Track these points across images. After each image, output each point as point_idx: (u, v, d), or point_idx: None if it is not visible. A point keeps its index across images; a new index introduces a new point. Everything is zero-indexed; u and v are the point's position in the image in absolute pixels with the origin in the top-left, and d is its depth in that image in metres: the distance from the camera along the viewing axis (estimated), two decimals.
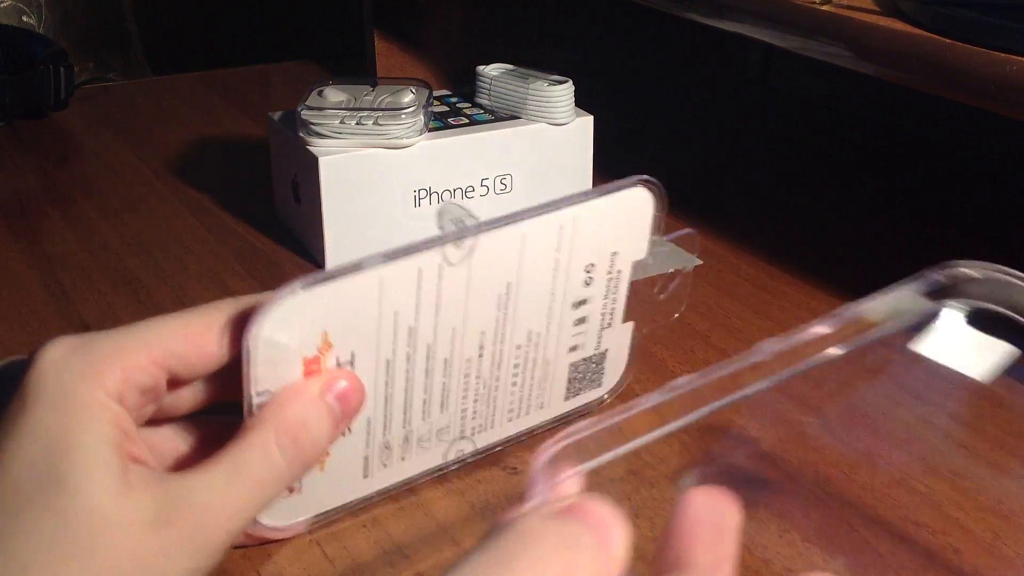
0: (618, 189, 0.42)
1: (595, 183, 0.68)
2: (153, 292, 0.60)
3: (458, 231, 0.38)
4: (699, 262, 0.45)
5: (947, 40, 0.45)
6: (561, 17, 0.90)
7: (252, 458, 0.34)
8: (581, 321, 0.44)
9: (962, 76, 0.45)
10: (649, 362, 0.53)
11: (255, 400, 0.35)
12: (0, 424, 0.32)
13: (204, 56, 1.16)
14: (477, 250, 0.38)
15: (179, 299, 0.59)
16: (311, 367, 0.36)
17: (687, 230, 0.45)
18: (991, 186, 0.79)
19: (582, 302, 0.43)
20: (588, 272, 0.43)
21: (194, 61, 1.14)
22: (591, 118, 0.67)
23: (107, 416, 0.32)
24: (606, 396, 0.48)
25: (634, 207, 0.43)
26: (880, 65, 0.49)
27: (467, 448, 0.44)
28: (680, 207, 0.72)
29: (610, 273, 0.44)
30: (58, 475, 0.31)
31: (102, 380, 0.32)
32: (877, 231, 0.70)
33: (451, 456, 0.43)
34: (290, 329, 0.35)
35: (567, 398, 0.46)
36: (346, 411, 0.37)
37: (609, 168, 0.72)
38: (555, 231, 0.40)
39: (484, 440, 0.44)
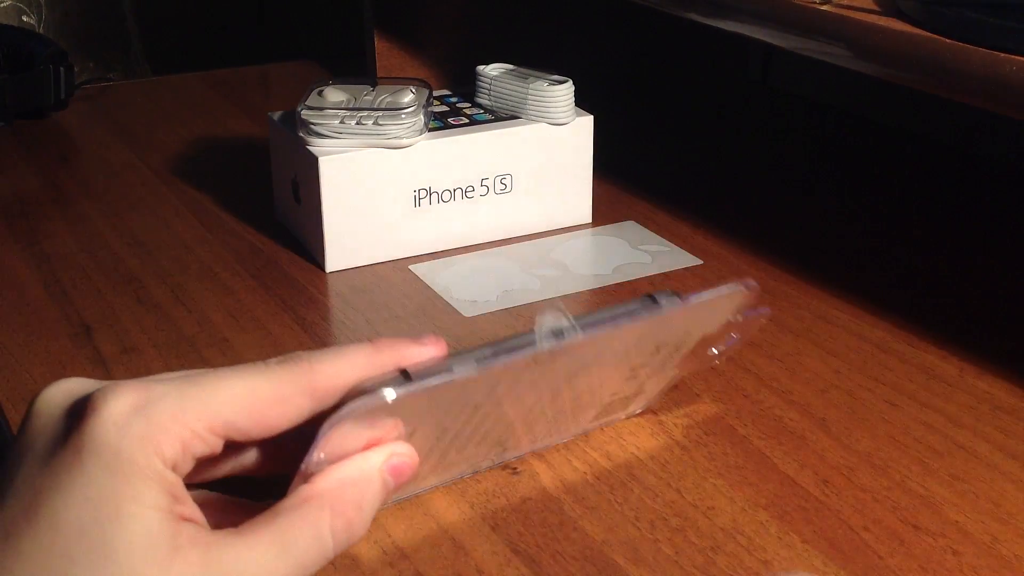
0: (720, 295, 0.41)
1: (595, 183, 0.68)
2: (153, 292, 0.60)
3: (557, 341, 0.36)
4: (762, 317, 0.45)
5: (947, 40, 0.45)
6: (561, 17, 0.90)
7: (303, 538, 0.33)
8: (634, 376, 0.44)
9: (962, 76, 0.45)
10: None
11: (314, 465, 0.34)
12: (52, 471, 0.31)
13: (204, 56, 1.16)
14: (567, 350, 0.37)
15: (179, 299, 0.59)
16: (373, 442, 0.36)
17: (760, 311, 0.44)
18: (991, 186, 0.79)
19: (643, 364, 0.43)
20: (658, 346, 0.43)
21: (194, 61, 1.14)
22: (591, 118, 0.67)
23: (161, 484, 0.32)
24: (623, 416, 0.48)
25: (726, 304, 0.42)
26: (880, 65, 0.49)
27: (485, 464, 0.44)
28: (681, 207, 0.72)
29: (679, 346, 0.44)
30: (108, 543, 0.30)
31: (160, 449, 0.32)
32: (877, 231, 0.70)
33: (468, 471, 0.44)
34: (368, 423, 0.34)
35: (591, 421, 0.46)
36: (398, 483, 0.36)
37: (609, 168, 0.72)
38: (648, 328, 0.40)
39: (503, 457, 0.44)
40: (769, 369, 0.52)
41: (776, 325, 0.57)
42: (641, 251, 0.65)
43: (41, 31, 1.10)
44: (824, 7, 0.51)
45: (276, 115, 0.66)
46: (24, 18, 1.10)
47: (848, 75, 0.53)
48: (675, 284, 0.61)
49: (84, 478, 0.31)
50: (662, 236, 0.67)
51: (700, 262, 0.64)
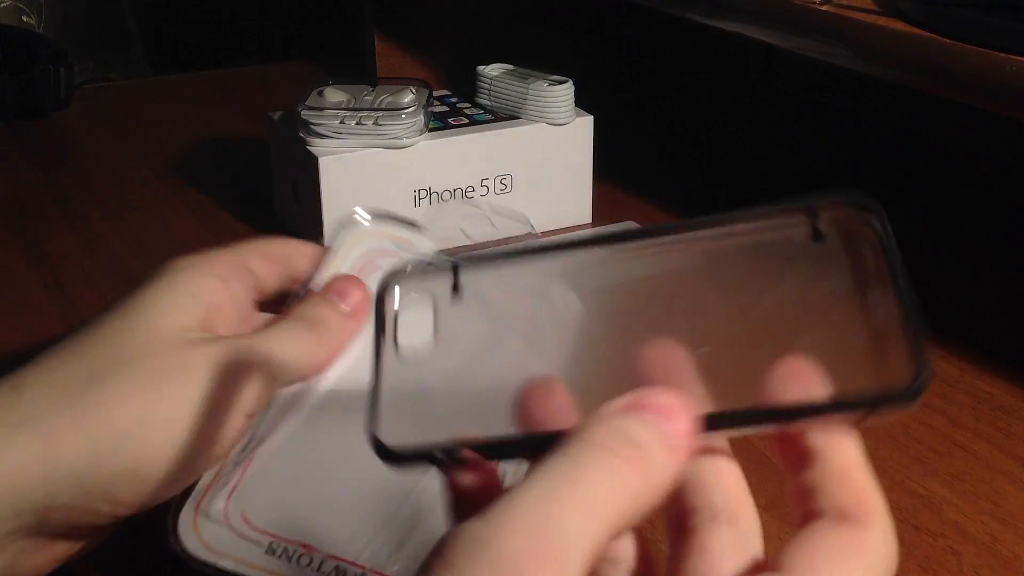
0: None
1: (595, 183, 0.68)
2: None
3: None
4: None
5: (947, 40, 0.45)
6: (561, 17, 0.90)
7: (331, 318, 0.38)
8: None
9: (962, 76, 0.45)
10: None
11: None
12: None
13: (204, 56, 1.16)
14: None
15: None
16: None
17: None
18: (991, 186, 0.79)
19: None
20: None
21: (194, 61, 1.14)
22: (591, 118, 0.67)
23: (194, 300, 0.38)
24: None
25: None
26: (880, 65, 0.49)
27: None
28: (680, 208, 0.72)
29: None
30: (142, 307, 0.37)
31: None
32: None
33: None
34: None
35: None
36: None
37: (609, 168, 0.72)
38: None
39: None
40: None
41: None
42: None
43: (41, 31, 1.11)
44: (824, 7, 0.51)
45: (276, 115, 0.66)
46: (24, 18, 1.11)
47: (848, 75, 0.53)
48: None
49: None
50: None
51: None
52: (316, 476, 0.38)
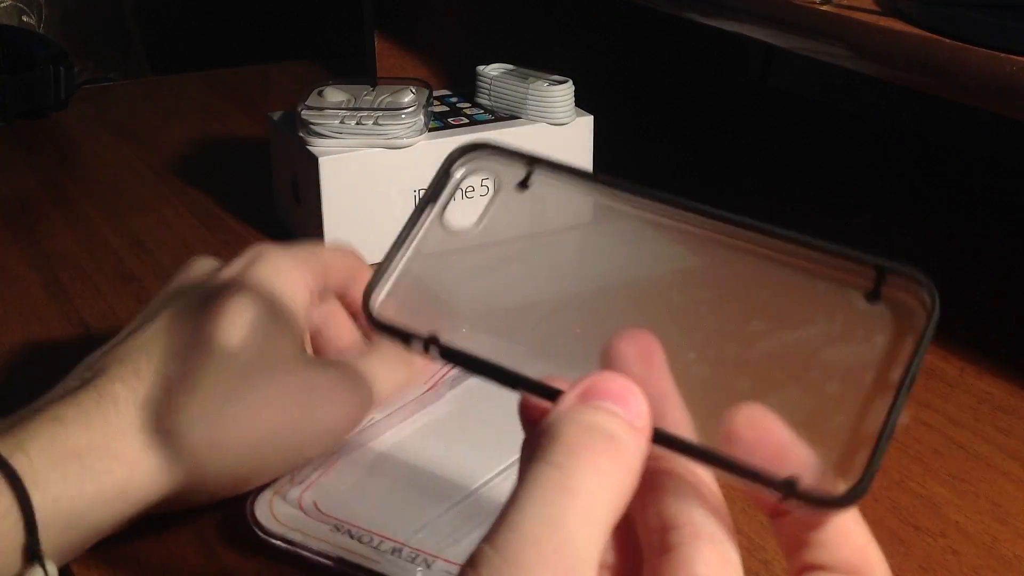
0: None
1: None
2: (153, 292, 0.60)
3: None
4: None
5: (947, 40, 0.45)
6: (561, 17, 0.90)
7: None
8: None
9: (962, 76, 0.45)
10: None
11: None
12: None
13: (204, 56, 1.16)
14: None
15: None
16: None
17: None
18: (991, 186, 0.79)
19: None
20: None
21: (194, 61, 1.14)
22: (591, 118, 0.67)
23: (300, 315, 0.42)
24: None
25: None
26: (880, 65, 0.49)
27: None
28: None
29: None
30: (261, 323, 0.40)
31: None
32: (877, 231, 0.70)
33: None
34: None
35: None
36: None
37: (609, 168, 0.72)
38: None
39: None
40: None
41: None
42: None
43: (41, 31, 1.10)
44: (824, 7, 0.51)
45: (276, 115, 0.66)
46: (24, 18, 1.11)
47: (848, 75, 0.53)
48: None
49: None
50: None
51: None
52: (385, 484, 0.42)
